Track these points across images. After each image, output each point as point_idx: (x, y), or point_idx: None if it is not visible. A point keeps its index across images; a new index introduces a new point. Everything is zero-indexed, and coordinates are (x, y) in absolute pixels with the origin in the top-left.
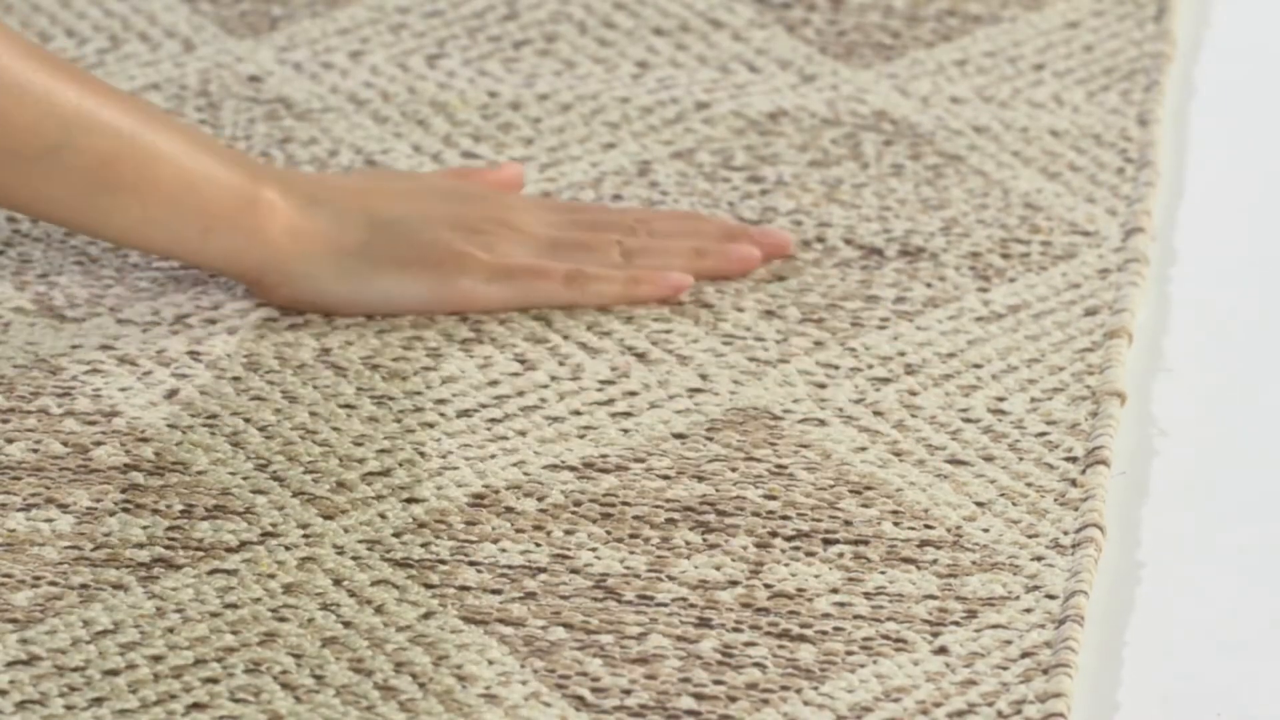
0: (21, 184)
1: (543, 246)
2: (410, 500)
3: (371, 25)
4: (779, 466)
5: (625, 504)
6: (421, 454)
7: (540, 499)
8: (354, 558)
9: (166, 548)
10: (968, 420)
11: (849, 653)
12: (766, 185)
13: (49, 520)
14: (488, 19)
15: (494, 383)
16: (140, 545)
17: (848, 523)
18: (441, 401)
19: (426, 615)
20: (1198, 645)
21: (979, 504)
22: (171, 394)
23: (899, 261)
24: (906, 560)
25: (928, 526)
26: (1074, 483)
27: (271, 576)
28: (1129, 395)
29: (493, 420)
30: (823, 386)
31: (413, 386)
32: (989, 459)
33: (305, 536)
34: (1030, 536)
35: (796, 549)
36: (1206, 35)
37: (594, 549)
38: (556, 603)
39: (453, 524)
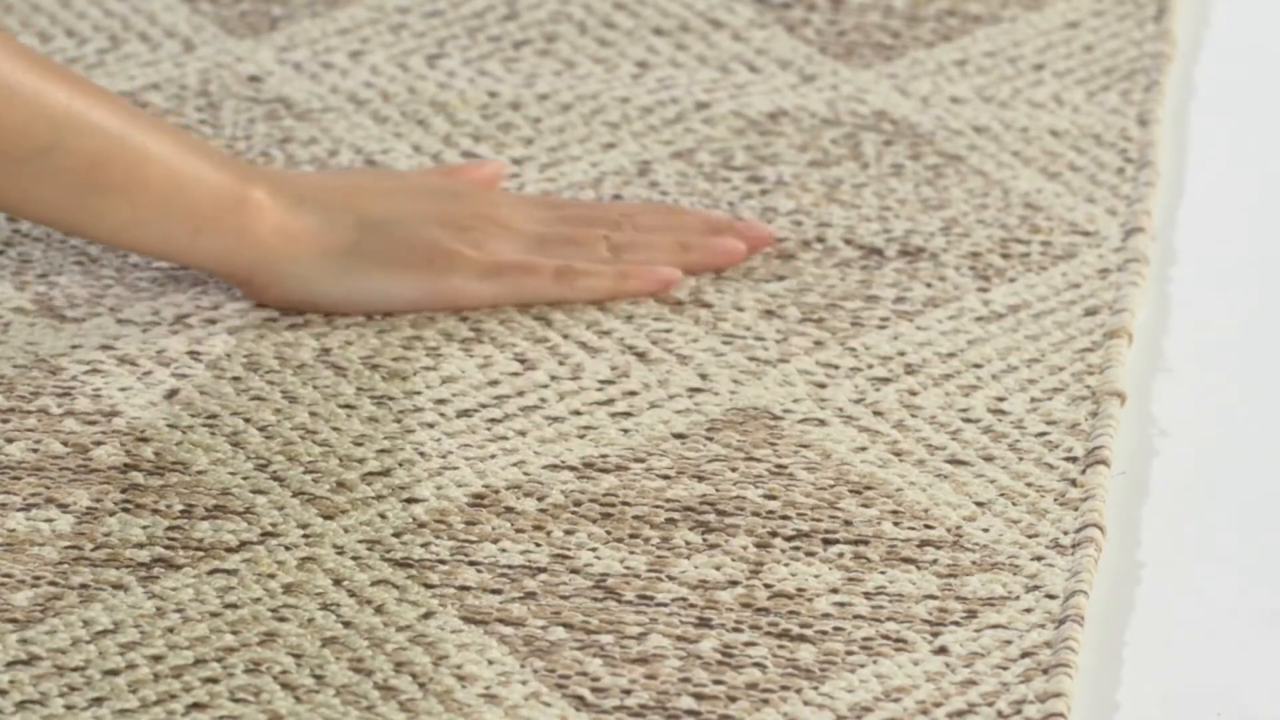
0: (11, 185)
1: (531, 243)
2: (410, 500)
3: (371, 25)
4: (779, 466)
5: (625, 504)
6: (421, 454)
7: (540, 499)
8: (354, 558)
9: (166, 548)
10: (968, 420)
11: (849, 653)
12: (766, 185)
13: (49, 520)
14: (488, 19)
15: (494, 382)
16: (140, 545)
17: (848, 523)
18: (441, 401)
19: (426, 615)
20: (1198, 645)
21: (979, 504)
22: (171, 394)
23: (899, 261)
24: (906, 560)
25: (928, 526)
26: (1074, 483)
27: (271, 576)
28: (1129, 395)
29: (493, 420)
30: (823, 386)
31: (413, 386)
32: (989, 459)
33: (305, 536)
34: (1030, 536)
35: (796, 549)
36: (1206, 35)
37: (594, 549)
38: (556, 603)
39: (453, 524)
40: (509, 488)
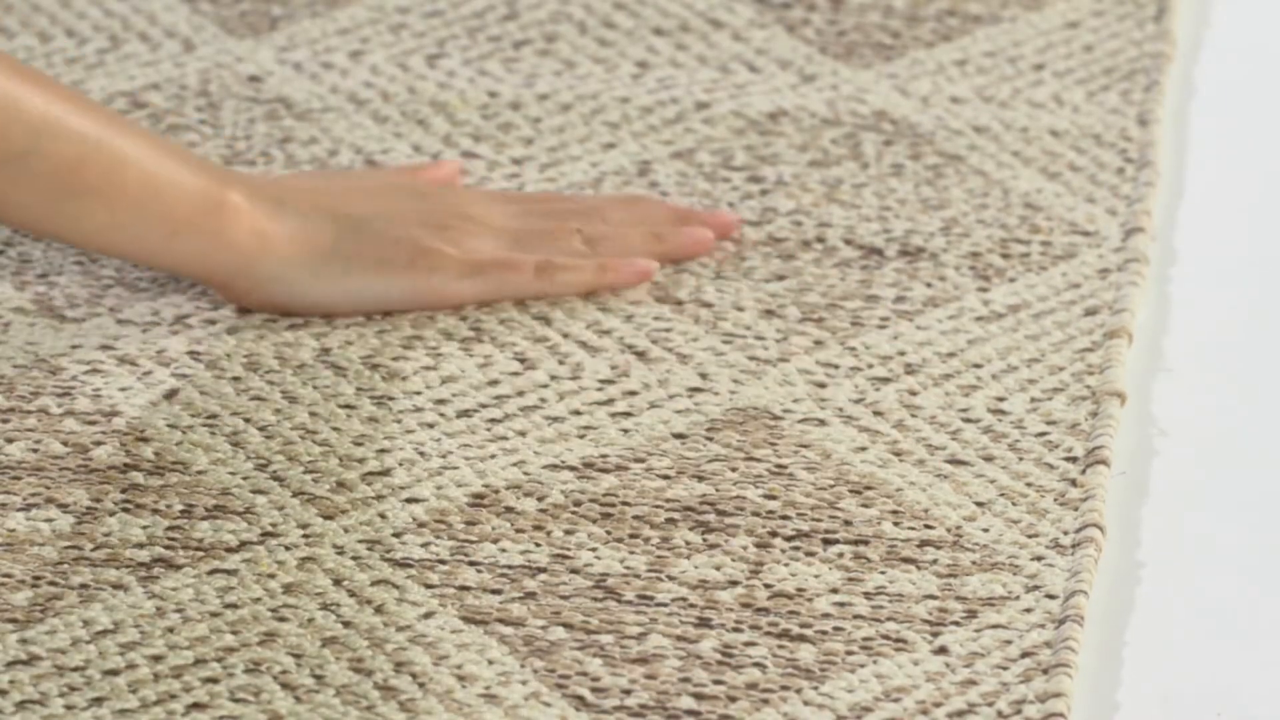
0: None
1: (507, 238)
2: (410, 500)
3: (371, 25)
4: (779, 466)
5: (625, 504)
6: (421, 454)
7: (540, 499)
8: (354, 558)
9: (166, 548)
10: (968, 420)
11: (849, 653)
12: (766, 185)
13: (49, 520)
14: (488, 19)
15: (494, 382)
16: (140, 545)
17: (848, 523)
18: (441, 401)
19: (426, 615)
20: (1198, 645)
21: (979, 504)
22: (171, 394)
23: (899, 261)
24: (906, 560)
25: (928, 526)
26: (1074, 483)
27: (271, 576)
28: (1129, 395)
29: (493, 420)
30: (823, 386)
31: (413, 386)
32: (989, 459)
33: (305, 536)
34: (1030, 536)
35: (796, 549)
36: (1206, 35)
37: (594, 549)
38: (556, 603)
39: (453, 524)
40: (509, 488)
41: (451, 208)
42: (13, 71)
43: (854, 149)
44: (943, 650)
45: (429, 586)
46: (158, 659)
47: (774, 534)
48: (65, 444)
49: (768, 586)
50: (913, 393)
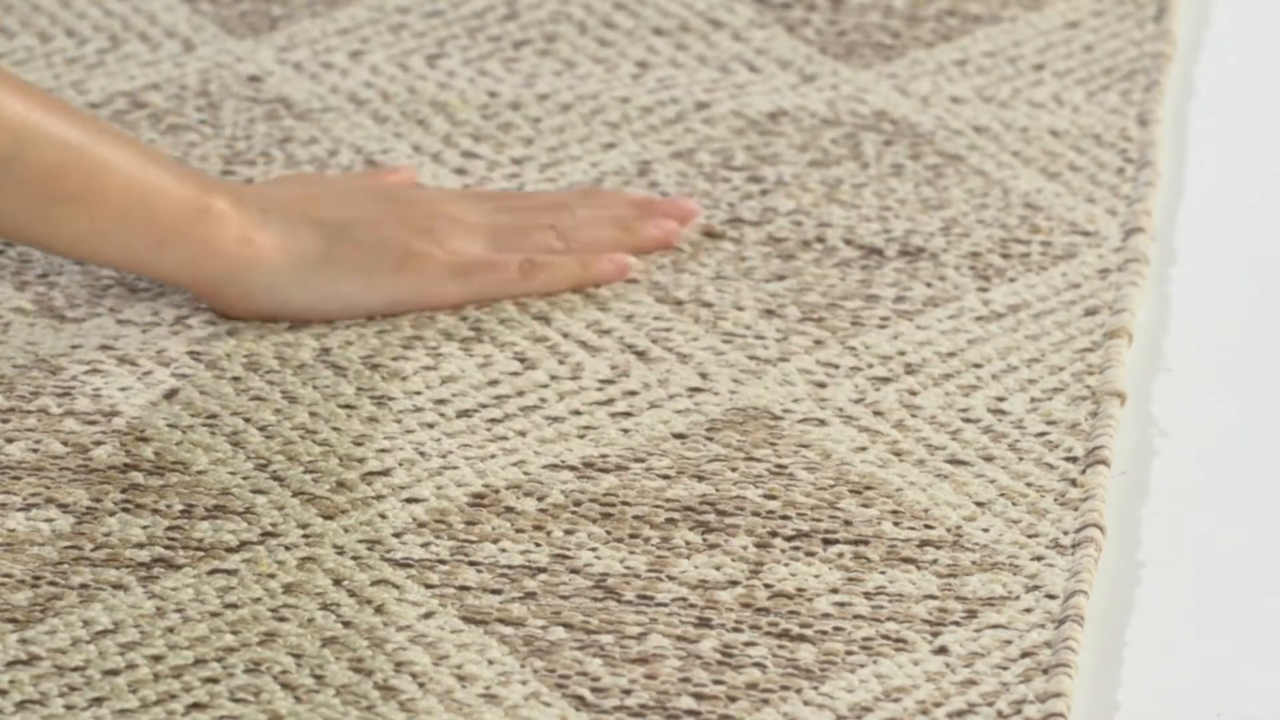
0: None
1: (485, 236)
2: (410, 500)
3: (371, 25)
4: (779, 466)
5: (625, 504)
6: (421, 454)
7: (540, 499)
8: (354, 558)
9: (166, 548)
10: (968, 420)
11: (849, 653)
12: (766, 185)
13: (49, 520)
14: (488, 19)
15: (494, 382)
16: (140, 545)
17: (848, 523)
18: (441, 401)
19: (426, 615)
20: (1198, 645)
21: (979, 504)
22: (171, 394)
23: (899, 261)
24: (906, 560)
25: (928, 526)
26: (1074, 483)
27: (271, 576)
28: (1129, 395)
29: (493, 420)
30: (823, 386)
31: (413, 386)
32: (989, 459)
33: (305, 536)
34: (1030, 536)
35: (796, 549)
36: (1206, 35)
37: (594, 549)
38: (556, 603)
39: (453, 524)
40: (509, 488)
41: (428, 209)
42: None
43: (854, 149)
44: (943, 650)
45: (429, 586)
46: (158, 659)
47: (774, 534)
48: (65, 444)
49: (768, 586)
50: (913, 393)
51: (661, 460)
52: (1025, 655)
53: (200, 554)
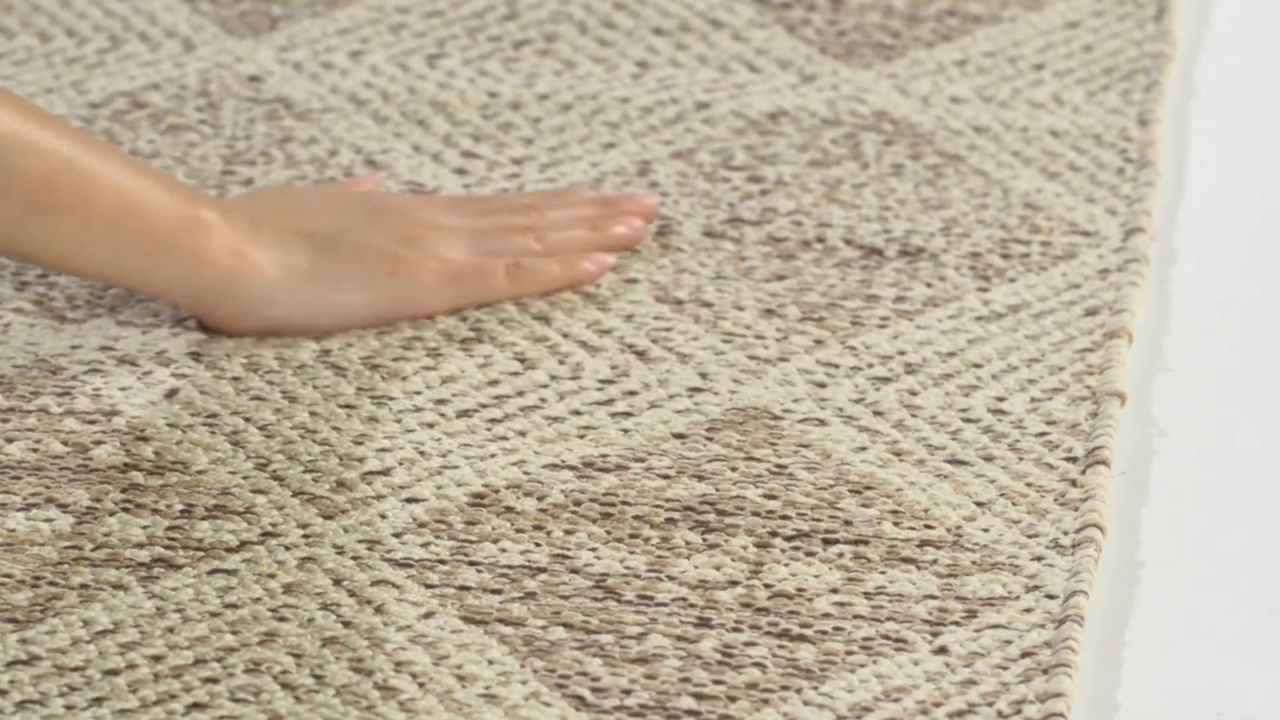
0: None
1: (469, 241)
2: (410, 500)
3: (371, 25)
4: (779, 466)
5: (625, 504)
6: (421, 454)
7: (540, 499)
8: (354, 558)
9: (166, 548)
10: (968, 420)
11: (849, 653)
12: (766, 185)
13: (49, 520)
14: (488, 19)
15: (494, 382)
16: (140, 545)
17: (848, 523)
18: (441, 401)
19: (426, 615)
20: (1198, 645)
21: (979, 504)
22: (171, 393)
23: (899, 261)
24: (906, 560)
25: (928, 526)
26: (1074, 483)
27: (271, 576)
28: (1129, 395)
29: (493, 420)
30: (823, 386)
31: (413, 386)
32: (989, 459)
33: (305, 536)
34: (1030, 536)
35: (796, 549)
36: (1206, 35)
37: (594, 549)
38: (556, 603)
39: (453, 524)
40: (509, 487)
41: (409, 217)
42: None
43: (854, 149)
44: (943, 650)
45: (429, 586)
46: (158, 659)
47: (774, 534)
48: (65, 444)
49: (768, 586)
50: (913, 393)
51: (661, 460)
52: (1025, 655)
53: (200, 554)
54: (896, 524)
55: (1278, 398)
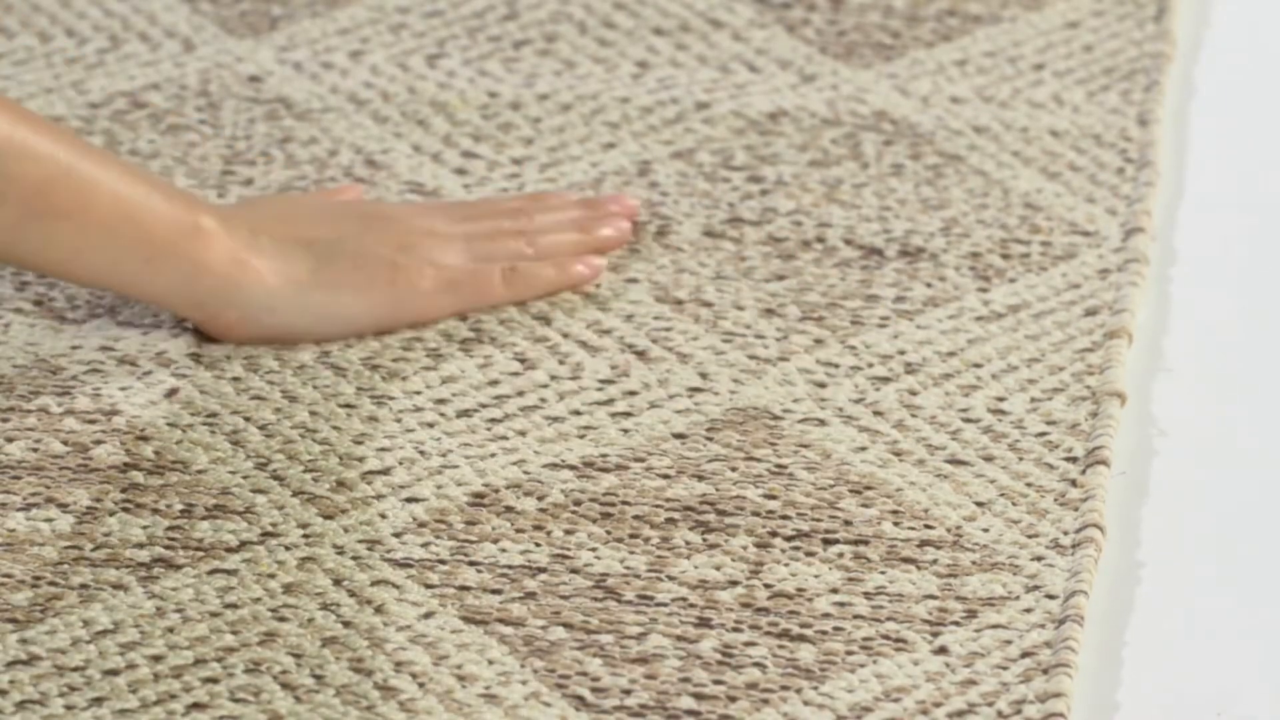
0: None
1: (463, 247)
2: (410, 500)
3: (371, 25)
4: (779, 466)
5: (625, 504)
6: (421, 454)
7: (540, 499)
8: (354, 558)
9: (166, 548)
10: (968, 420)
11: (849, 653)
12: (766, 185)
13: (49, 520)
14: (488, 19)
15: (494, 382)
16: (140, 545)
17: (848, 523)
18: (441, 401)
19: (426, 615)
20: (1198, 645)
21: (979, 504)
22: (171, 393)
23: (899, 261)
24: (906, 560)
25: (928, 526)
26: (1074, 483)
27: (271, 576)
28: (1129, 395)
29: (493, 420)
30: (823, 386)
31: (413, 386)
32: (989, 459)
33: (305, 536)
34: (1030, 536)
35: (796, 549)
36: (1206, 35)
37: (594, 549)
38: (556, 603)
39: (453, 524)
40: (509, 487)
41: (403, 224)
42: None
43: (854, 149)
44: (943, 650)
45: (429, 586)
46: (158, 659)
47: (774, 534)
48: (65, 443)
49: (768, 586)
50: (913, 392)
51: (661, 460)
52: (1025, 655)
53: (200, 554)
54: (896, 524)
55: (1278, 398)
